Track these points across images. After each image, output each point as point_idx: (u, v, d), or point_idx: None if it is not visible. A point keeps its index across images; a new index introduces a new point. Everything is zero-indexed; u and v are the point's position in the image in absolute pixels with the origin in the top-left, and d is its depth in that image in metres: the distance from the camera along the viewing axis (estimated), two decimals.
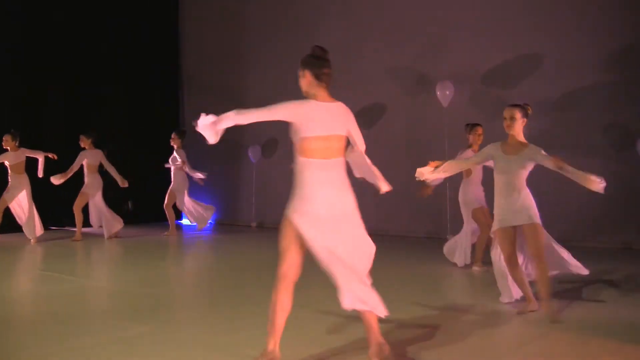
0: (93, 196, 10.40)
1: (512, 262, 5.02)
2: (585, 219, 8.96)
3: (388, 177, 4.21)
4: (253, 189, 12.64)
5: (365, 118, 11.29)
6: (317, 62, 3.72)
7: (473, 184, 7.21)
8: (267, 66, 12.33)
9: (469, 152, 7.11)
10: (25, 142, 10.14)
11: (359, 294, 3.52)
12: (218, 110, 3.73)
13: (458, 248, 7.36)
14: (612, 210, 8.84)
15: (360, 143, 3.94)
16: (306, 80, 3.72)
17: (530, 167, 5.04)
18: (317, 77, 3.70)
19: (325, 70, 3.72)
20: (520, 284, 5.09)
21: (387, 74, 10.98)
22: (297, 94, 3.78)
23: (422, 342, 4.28)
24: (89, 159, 10.30)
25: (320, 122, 3.61)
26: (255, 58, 12.52)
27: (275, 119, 3.61)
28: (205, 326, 4.72)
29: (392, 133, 10.84)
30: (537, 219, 4.97)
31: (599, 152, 8.96)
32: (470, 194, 7.20)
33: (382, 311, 3.57)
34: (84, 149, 10.34)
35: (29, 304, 5.75)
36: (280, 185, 11.51)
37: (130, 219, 11.83)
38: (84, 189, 10.35)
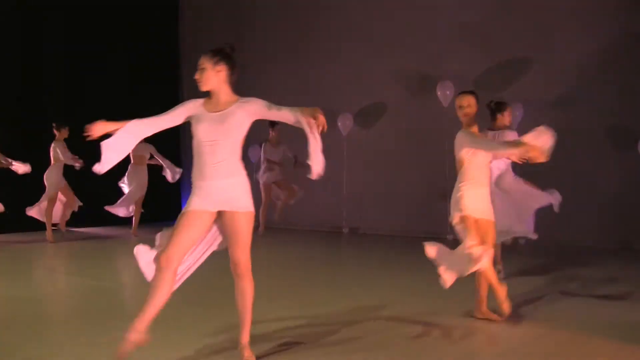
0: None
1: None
2: (585, 219, 8.96)
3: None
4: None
5: (366, 118, 11.30)
6: (233, 61, 3.71)
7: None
8: (267, 64, 12.35)
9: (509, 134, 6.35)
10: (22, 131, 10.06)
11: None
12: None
13: None
14: (612, 210, 8.84)
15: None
16: (220, 76, 3.67)
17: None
18: (231, 75, 3.70)
19: (237, 70, 3.73)
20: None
21: (388, 74, 10.97)
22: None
23: (420, 342, 4.29)
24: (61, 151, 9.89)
25: None
26: (255, 56, 12.52)
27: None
28: (202, 325, 4.71)
29: (393, 133, 10.83)
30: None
31: (600, 153, 8.96)
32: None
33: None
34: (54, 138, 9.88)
35: (26, 304, 5.74)
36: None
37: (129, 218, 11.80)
38: (66, 187, 10.02)
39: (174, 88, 13.69)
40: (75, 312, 5.30)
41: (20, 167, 9.21)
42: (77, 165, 9.73)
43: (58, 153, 9.78)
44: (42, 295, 6.34)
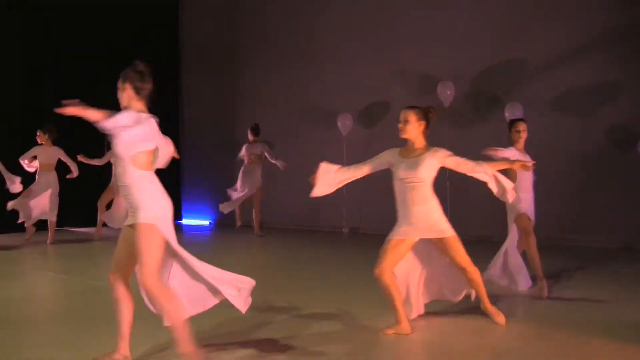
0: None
1: (390, 275, 4.46)
2: (585, 219, 8.96)
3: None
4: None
5: (367, 118, 11.28)
6: (139, 76, 3.73)
7: (520, 190, 5.78)
8: (267, 64, 12.32)
9: (512, 151, 5.95)
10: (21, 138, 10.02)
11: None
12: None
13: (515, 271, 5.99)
14: (612, 210, 8.84)
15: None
16: (127, 93, 3.72)
17: (434, 172, 4.64)
18: (137, 91, 3.69)
19: (147, 85, 3.72)
20: (398, 298, 4.50)
21: (388, 74, 10.95)
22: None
23: (419, 341, 4.29)
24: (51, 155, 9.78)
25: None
26: (255, 57, 12.52)
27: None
28: (203, 325, 4.71)
29: (393, 133, 10.76)
30: (452, 229, 4.52)
31: (599, 152, 8.95)
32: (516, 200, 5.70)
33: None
34: (40, 144, 9.73)
35: (26, 304, 5.75)
36: (276, 185, 11.55)
37: None
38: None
39: (173, 88, 13.67)
40: (76, 313, 5.30)
41: (15, 187, 9.20)
42: (75, 174, 9.77)
43: (52, 158, 9.70)
44: (41, 296, 6.35)
